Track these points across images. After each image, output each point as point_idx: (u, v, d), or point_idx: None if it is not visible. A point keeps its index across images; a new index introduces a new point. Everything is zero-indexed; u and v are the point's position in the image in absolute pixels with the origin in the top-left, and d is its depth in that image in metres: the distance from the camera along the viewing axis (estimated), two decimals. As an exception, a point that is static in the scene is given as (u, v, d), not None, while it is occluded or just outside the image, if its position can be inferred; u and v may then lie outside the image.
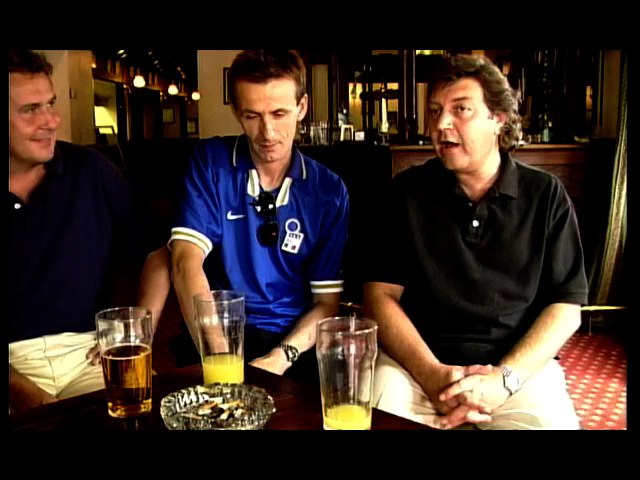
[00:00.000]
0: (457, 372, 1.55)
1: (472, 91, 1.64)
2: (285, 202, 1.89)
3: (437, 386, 1.56)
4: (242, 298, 1.35)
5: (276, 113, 1.73)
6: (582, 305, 1.75)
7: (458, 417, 1.52)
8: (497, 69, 1.68)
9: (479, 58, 1.67)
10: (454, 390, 1.52)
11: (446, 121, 1.64)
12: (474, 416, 1.51)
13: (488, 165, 1.73)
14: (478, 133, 1.65)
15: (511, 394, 1.57)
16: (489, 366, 1.58)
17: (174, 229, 1.84)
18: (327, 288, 1.96)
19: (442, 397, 1.52)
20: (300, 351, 1.79)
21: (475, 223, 1.72)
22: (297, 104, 1.78)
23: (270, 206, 1.87)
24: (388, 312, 1.73)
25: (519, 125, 1.74)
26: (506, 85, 1.68)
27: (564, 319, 1.71)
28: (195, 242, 1.82)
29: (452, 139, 1.65)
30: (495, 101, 1.65)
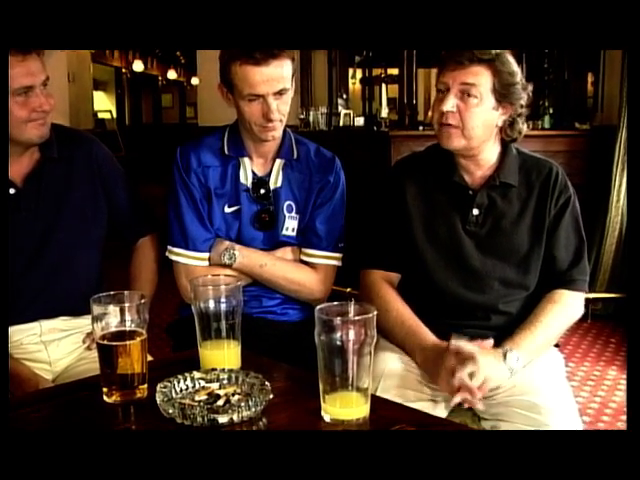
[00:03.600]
0: (462, 344, 1.51)
1: (482, 78, 1.61)
2: (279, 184, 1.86)
3: (440, 361, 1.52)
4: (240, 283, 1.35)
5: (279, 93, 1.72)
6: (585, 292, 1.73)
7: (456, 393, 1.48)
8: (512, 60, 1.65)
9: None
10: (460, 372, 1.48)
11: (450, 103, 1.62)
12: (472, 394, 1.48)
13: (487, 153, 1.71)
14: (480, 121, 1.63)
15: (512, 375, 1.54)
16: (490, 340, 1.56)
17: (170, 248, 1.85)
18: (324, 259, 1.88)
19: (455, 382, 1.47)
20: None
21: (475, 211, 1.70)
22: (292, 82, 1.77)
23: (262, 191, 1.84)
24: (388, 297, 1.71)
25: (524, 118, 1.71)
26: (518, 78, 1.64)
27: (565, 305, 1.69)
28: (196, 263, 1.82)
29: (453, 122, 1.63)
30: (503, 93, 1.63)
